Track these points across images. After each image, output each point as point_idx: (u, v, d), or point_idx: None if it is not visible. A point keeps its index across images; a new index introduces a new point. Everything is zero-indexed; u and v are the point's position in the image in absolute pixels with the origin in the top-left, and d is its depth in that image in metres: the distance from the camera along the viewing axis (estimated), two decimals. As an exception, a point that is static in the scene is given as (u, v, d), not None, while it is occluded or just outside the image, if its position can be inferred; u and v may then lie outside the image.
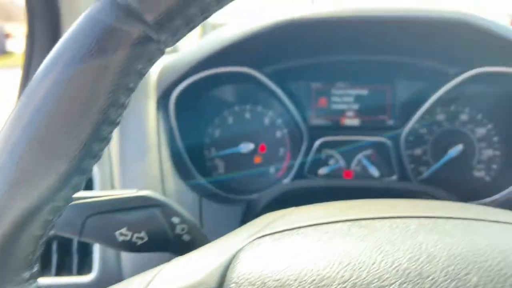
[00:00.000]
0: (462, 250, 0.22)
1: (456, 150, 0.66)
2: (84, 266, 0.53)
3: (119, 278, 0.50)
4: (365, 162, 0.67)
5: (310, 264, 0.23)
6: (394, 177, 0.65)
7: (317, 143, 0.67)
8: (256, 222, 0.31)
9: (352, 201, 0.34)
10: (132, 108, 0.63)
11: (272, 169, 0.70)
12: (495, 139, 0.67)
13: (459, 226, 0.26)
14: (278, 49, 0.60)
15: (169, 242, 0.36)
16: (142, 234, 0.35)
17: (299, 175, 0.67)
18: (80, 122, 0.21)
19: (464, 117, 0.68)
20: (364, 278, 0.21)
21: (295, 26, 0.53)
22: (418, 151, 0.68)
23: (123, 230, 0.34)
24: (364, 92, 0.68)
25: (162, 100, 0.62)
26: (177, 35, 0.23)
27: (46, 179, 0.21)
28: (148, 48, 0.22)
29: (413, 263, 0.22)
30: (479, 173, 0.68)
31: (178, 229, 0.36)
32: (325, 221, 0.28)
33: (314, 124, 0.69)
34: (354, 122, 0.68)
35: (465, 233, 0.24)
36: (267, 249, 0.25)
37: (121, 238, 0.34)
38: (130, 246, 0.35)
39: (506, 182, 0.64)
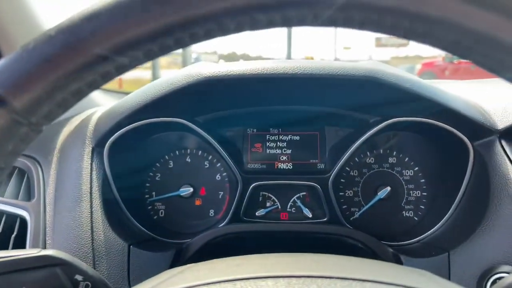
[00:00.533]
0: None
1: (384, 191, 0.70)
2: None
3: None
4: (299, 203, 0.70)
5: None
6: (325, 219, 0.68)
7: (253, 186, 0.69)
8: (153, 279, 0.33)
9: (250, 257, 0.36)
10: (69, 157, 0.64)
11: (211, 212, 0.72)
12: (422, 181, 0.71)
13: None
14: (205, 101, 0.63)
15: (71, 300, 0.37)
16: (42, 293, 0.36)
17: (237, 217, 0.69)
18: None
19: (392, 160, 0.71)
20: None
21: (213, 82, 0.56)
22: (349, 193, 0.71)
23: (23, 289, 0.36)
24: (296, 138, 0.71)
25: (98, 148, 0.63)
26: (50, 116, 0.25)
27: None
28: (19, 131, 0.24)
29: None
30: (407, 214, 0.71)
31: (81, 286, 0.38)
32: (216, 280, 0.30)
33: (249, 168, 0.71)
34: (288, 166, 0.71)
35: None
36: None
37: (21, 298, 0.35)
38: (30, 305, 0.36)
39: (432, 222, 0.67)
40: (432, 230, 0.65)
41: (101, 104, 0.93)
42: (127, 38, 0.23)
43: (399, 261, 0.58)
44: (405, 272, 0.32)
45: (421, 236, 0.65)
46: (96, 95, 1.03)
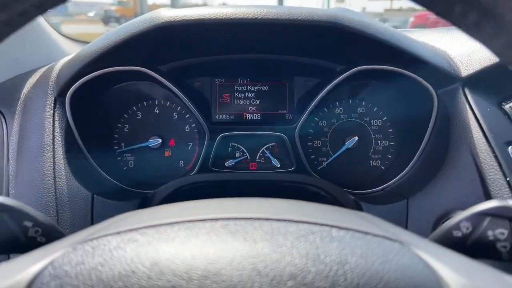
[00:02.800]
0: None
1: (352, 141, 0.70)
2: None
3: None
4: (267, 154, 0.70)
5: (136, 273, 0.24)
6: (293, 169, 0.69)
7: (221, 136, 0.69)
8: (89, 228, 0.33)
9: (198, 201, 0.36)
10: (31, 108, 0.63)
11: (181, 163, 0.72)
12: (390, 130, 0.71)
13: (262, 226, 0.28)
14: (167, 48, 0.62)
15: (21, 245, 0.38)
16: (-10, 238, 0.36)
17: (206, 168, 0.69)
18: None
19: (360, 110, 0.71)
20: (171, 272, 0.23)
21: (171, 27, 0.54)
22: (317, 143, 0.71)
23: (-30, 235, 0.36)
24: (264, 88, 0.70)
25: (60, 98, 0.62)
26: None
27: None
28: None
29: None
30: (374, 163, 0.72)
31: (30, 232, 0.38)
32: (177, 220, 0.30)
33: (218, 119, 0.71)
34: (256, 116, 0.71)
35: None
36: (81, 254, 0.27)
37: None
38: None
39: (397, 171, 0.68)
40: (396, 178, 0.66)
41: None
42: None
43: (359, 208, 0.60)
44: (342, 213, 0.33)
45: (385, 185, 0.66)
46: (67, 45, 1.00)
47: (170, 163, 0.72)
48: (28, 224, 0.38)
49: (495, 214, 0.36)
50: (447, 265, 0.27)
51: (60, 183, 0.56)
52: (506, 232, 0.36)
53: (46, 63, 0.76)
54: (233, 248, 0.25)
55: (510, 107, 0.57)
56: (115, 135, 0.72)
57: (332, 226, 0.28)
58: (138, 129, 0.72)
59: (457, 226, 0.37)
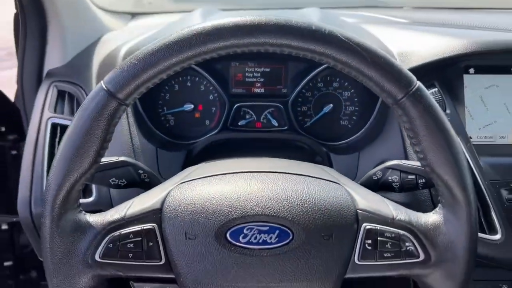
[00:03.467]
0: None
1: (328, 107, 1.00)
2: (85, 193, 0.85)
3: (109, 202, 0.83)
4: (269, 117, 1.00)
5: (213, 197, 0.55)
6: (286, 127, 0.99)
7: (236, 105, 0.98)
8: (180, 173, 0.64)
9: (241, 158, 0.67)
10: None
11: (207, 122, 1.02)
12: (356, 99, 1.01)
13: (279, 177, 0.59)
14: None
15: (138, 183, 0.69)
16: (123, 180, 0.67)
17: (225, 126, 0.99)
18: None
19: (335, 84, 1.00)
20: (249, 200, 0.54)
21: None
22: (304, 108, 1.01)
23: (113, 178, 0.67)
24: (267, 69, 0.98)
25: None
26: (136, 97, 0.54)
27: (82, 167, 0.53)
28: (119, 111, 0.53)
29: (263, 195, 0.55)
30: (344, 123, 1.02)
31: (142, 176, 0.69)
32: (226, 171, 0.60)
33: (234, 92, 1.00)
34: (261, 90, 1.00)
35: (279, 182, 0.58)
36: (186, 188, 0.58)
37: (113, 183, 0.67)
38: (117, 186, 0.68)
39: (359, 129, 0.99)
40: (356, 135, 0.97)
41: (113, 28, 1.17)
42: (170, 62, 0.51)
43: (329, 157, 0.91)
44: (311, 167, 0.64)
45: (348, 139, 0.97)
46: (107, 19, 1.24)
47: (199, 122, 1.02)
48: (141, 171, 0.69)
49: (393, 168, 0.68)
50: (360, 196, 0.58)
51: (135, 141, 0.87)
52: (397, 177, 0.67)
53: (98, 36, 1.03)
54: (257, 187, 0.56)
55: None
56: (159, 102, 1.01)
57: (302, 175, 0.59)
58: (176, 97, 1.01)
59: (373, 173, 0.69)
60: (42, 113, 0.89)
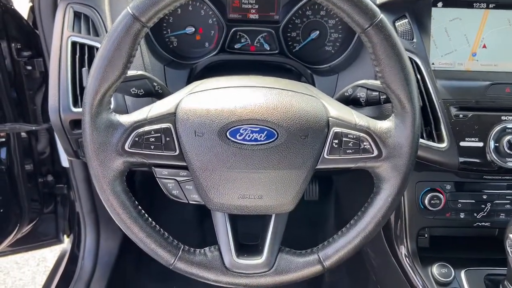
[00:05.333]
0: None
1: (315, 34, 1.12)
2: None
3: (124, 109, 0.98)
4: (262, 41, 1.13)
5: (217, 105, 0.70)
6: (277, 51, 1.12)
7: (233, 29, 1.10)
8: (188, 86, 0.79)
9: (234, 76, 0.81)
10: (117, 8, 1.02)
11: (206, 44, 1.15)
12: (339, 27, 1.13)
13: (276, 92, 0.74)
14: None
15: (153, 94, 0.84)
16: (142, 90, 0.82)
17: (222, 48, 1.12)
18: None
19: (322, 13, 1.12)
20: (245, 107, 0.69)
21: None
22: (293, 34, 1.13)
23: (134, 88, 0.82)
24: (261, -3, 1.10)
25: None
26: (155, 20, 0.67)
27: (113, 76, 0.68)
28: (141, 32, 0.67)
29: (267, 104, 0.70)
30: (328, 48, 1.15)
31: (156, 88, 0.84)
32: (227, 86, 0.75)
33: (231, 17, 1.11)
34: (255, 16, 1.11)
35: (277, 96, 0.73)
36: (194, 98, 0.73)
37: (133, 92, 0.82)
38: (136, 95, 0.82)
39: (341, 54, 1.12)
40: (337, 59, 1.11)
41: None
42: None
43: (313, 78, 1.06)
44: (294, 84, 0.79)
45: (331, 63, 1.11)
46: None
47: (200, 44, 1.14)
48: (155, 83, 0.83)
49: (361, 86, 0.83)
50: (332, 107, 0.74)
51: (145, 60, 1.00)
52: (364, 94, 0.83)
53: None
54: (251, 98, 0.72)
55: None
56: (164, 24, 1.12)
57: (287, 90, 0.75)
58: (178, 21, 1.12)
59: (346, 91, 0.85)
60: (62, 32, 1.00)
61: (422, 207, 1.03)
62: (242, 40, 1.13)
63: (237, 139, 0.70)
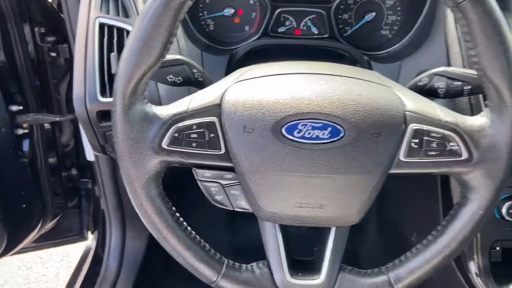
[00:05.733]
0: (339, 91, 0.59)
1: (370, 16, 0.99)
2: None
3: (157, 99, 0.87)
4: (309, 23, 1.00)
5: (270, 95, 0.58)
6: (326, 35, 0.99)
7: (278, 10, 0.98)
8: (234, 73, 0.67)
9: (286, 62, 0.69)
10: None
11: (246, 28, 1.02)
12: (398, 8, 0.99)
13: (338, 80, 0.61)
14: None
15: (192, 82, 0.72)
16: (180, 77, 0.71)
17: (265, 32, 1.00)
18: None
19: (379, -8, 0.98)
20: (304, 98, 0.57)
21: None
22: (345, 16, 1.00)
23: (171, 76, 0.70)
24: (311, -26, 0.97)
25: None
26: None
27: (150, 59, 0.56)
28: (185, 5, 0.55)
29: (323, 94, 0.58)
30: (384, 32, 1.02)
31: (196, 75, 0.72)
32: (281, 72, 0.63)
33: (275, -3, 0.99)
34: (303, -4, 0.99)
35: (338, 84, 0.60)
36: (242, 87, 0.61)
37: (170, 80, 0.70)
38: (174, 83, 0.71)
39: (401, 38, 0.99)
40: (397, 45, 0.97)
41: None
42: None
43: (370, 65, 0.92)
44: (360, 71, 0.66)
45: (389, 49, 0.98)
46: None
47: (239, 28, 1.02)
48: (195, 70, 0.72)
49: (440, 74, 0.70)
50: (409, 98, 0.61)
51: (181, 45, 0.89)
52: (443, 84, 0.69)
53: None
54: (311, 87, 0.59)
55: None
56: (200, 5, 1.01)
57: (354, 78, 0.62)
58: (216, 1, 1.00)
59: (419, 80, 0.71)
60: (89, 13, 0.90)
61: (499, 216, 0.89)
62: (287, 23, 1.01)
63: (294, 136, 0.58)
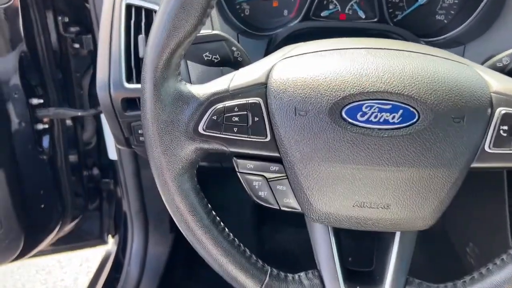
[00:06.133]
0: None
1: (424, -1, 0.89)
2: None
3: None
4: (355, 7, 0.90)
5: (328, 71, 0.49)
6: (375, 19, 0.89)
7: (320, -8, 0.88)
8: (280, 50, 0.57)
9: (342, 38, 0.59)
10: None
11: (286, 12, 0.93)
12: (456, -10, 0.89)
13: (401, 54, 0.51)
14: None
15: (230, 61, 0.63)
16: (217, 55, 0.61)
17: (306, 17, 0.90)
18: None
19: (435, -28, 0.88)
20: (369, 75, 0.48)
21: None
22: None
23: (207, 53, 0.61)
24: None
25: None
26: None
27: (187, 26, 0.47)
28: None
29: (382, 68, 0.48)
30: (439, 17, 0.91)
31: (235, 54, 0.63)
32: (335, 47, 0.53)
33: (319, -23, 0.89)
34: (350, -24, 0.89)
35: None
36: (292, 63, 0.52)
37: (206, 58, 0.61)
38: (211, 63, 0.62)
39: (458, 24, 0.88)
40: (456, 30, 0.86)
41: None
42: None
43: None
44: (432, 48, 0.55)
45: (447, 35, 0.87)
46: None
47: (277, 12, 0.93)
48: (234, 49, 0.62)
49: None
50: (494, 78, 0.51)
51: (222, 26, 0.80)
52: (530, 63, 0.58)
53: None
54: (377, 62, 0.49)
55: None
56: (236, -11, 0.92)
57: (427, 54, 0.52)
58: (253, -17, 0.91)
59: (500, 60, 0.60)
60: (115, -7, 0.82)
61: None
62: (330, 7, 0.91)
63: (357, 120, 0.48)
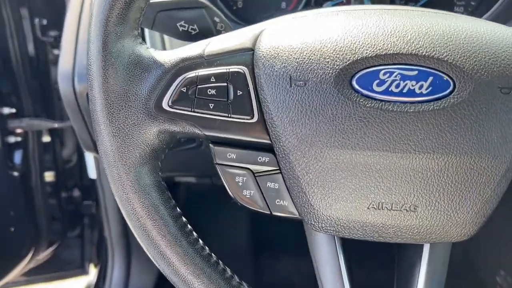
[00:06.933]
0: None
1: (442, -12, 0.79)
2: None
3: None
4: (363, -3, 0.80)
5: (333, 30, 0.37)
6: (385, 9, 0.79)
7: (323, -19, 0.78)
8: (274, 19, 0.46)
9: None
10: None
11: (283, 4, 0.83)
12: (477, -21, 0.79)
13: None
14: None
15: (211, 34, 0.51)
16: (195, 26, 0.50)
17: (307, 8, 0.80)
18: None
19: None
20: (387, 34, 0.36)
21: None
22: (409, -12, 0.80)
23: (182, 23, 0.49)
24: None
25: None
26: None
27: None
28: None
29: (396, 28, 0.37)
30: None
31: (218, 26, 0.51)
32: (343, 9, 0.42)
33: (320, -36, 0.80)
34: (357, -39, 0.79)
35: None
36: (286, 26, 0.40)
37: (181, 29, 0.50)
38: (186, 35, 0.50)
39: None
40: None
41: None
42: None
43: None
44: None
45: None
46: None
47: (273, 4, 0.83)
48: (217, 19, 0.51)
49: None
50: None
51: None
52: None
53: None
54: (398, 20, 0.38)
55: None
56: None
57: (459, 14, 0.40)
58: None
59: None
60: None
61: None
62: (334, -1, 0.81)
63: (373, 91, 0.37)
